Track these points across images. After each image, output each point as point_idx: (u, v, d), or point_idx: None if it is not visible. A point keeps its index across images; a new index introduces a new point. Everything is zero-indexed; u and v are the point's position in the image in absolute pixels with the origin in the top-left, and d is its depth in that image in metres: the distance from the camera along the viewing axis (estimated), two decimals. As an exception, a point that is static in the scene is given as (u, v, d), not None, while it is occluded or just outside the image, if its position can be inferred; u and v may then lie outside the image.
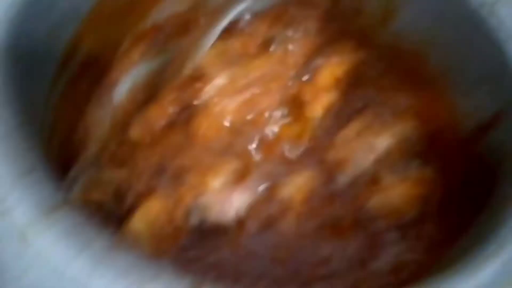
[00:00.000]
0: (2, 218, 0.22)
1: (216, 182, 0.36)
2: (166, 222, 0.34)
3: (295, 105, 0.40)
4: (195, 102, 0.38)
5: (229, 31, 0.39)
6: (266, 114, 0.39)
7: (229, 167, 0.37)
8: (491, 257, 0.27)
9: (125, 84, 0.41)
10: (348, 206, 0.37)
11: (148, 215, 0.33)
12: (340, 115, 0.40)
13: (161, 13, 0.41)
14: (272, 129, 0.39)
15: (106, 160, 0.35)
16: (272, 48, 0.40)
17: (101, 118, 0.39)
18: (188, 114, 0.39)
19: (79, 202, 0.34)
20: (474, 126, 0.39)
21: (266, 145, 0.38)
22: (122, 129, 0.39)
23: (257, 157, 0.38)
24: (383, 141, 0.39)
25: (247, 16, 0.40)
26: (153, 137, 0.38)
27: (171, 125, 0.39)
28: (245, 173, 0.37)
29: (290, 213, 0.36)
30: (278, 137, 0.39)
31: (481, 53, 0.38)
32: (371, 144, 0.39)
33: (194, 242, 0.34)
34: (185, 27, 0.41)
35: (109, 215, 0.33)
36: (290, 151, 0.39)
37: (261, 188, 0.37)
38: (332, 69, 0.41)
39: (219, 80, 0.38)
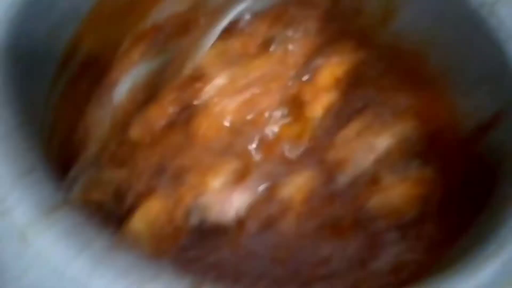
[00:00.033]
0: (2, 218, 0.22)
1: (216, 182, 0.35)
2: (166, 222, 0.34)
3: (295, 105, 0.40)
4: (195, 102, 0.38)
5: (229, 31, 0.39)
6: (266, 114, 0.38)
7: (229, 167, 0.37)
8: (491, 257, 0.27)
9: (125, 84, 0.40)
10: (348, 206, 0.37)
11: (148, 215, 0.33)
12: (340, 115, 0.40)
13: (161, 13, 0.41)
14: (272, 129, 0.39)
15: (106, 160, 0.35)
16: (272, 48, 0.40)
17: (101, 118, 0.39)
18: (188, 114, 0.38)
19: (79, 202, 0.33)
20: (474, 126, 0.39)
21: (266, 145, 0.38)
22: (122, 129, 0.39)
23: (257, 157, 0.38)
24: (383, 141, 0.39)
25: (247, 16, 0.40)
26: (153, 137, 0.38)
27: (171, 125, 0.39)
28: (245, 173, 0.37)
29: (290, 213, 0.36)
30: (278, 137, 0.39)
31: (481, 53, 0.38)
32: (371, 144, 0.39)
33: (194, 242, 0.34)
34: (185, 27, 0.41)
35: (109, 215, 0.33)
36: (290, 151, 0.39)
37: (261, 188, 0.36)
38: (332, 69, 0.41)
39: (219, 80, 0.38)
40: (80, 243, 0.21)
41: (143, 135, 0.37)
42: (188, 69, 0.38)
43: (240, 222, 0.35)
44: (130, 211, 0.33)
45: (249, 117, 0.38)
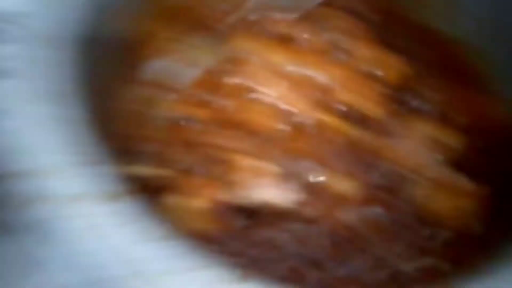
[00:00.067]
0: (70, 204, 0.24)
1: (273, 167, 0.36)
2: (225, 202, 0.35)
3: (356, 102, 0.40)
4: (251, 92, 0.40)
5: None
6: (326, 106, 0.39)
7: (282, 154, 0.38)
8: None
9: (187, 71, 0.42)
10: (406, 208, 0.36)
11: (203, 195, 0.34)
12: (398, 115, 0.40)
13: (226, 2, 0.42)
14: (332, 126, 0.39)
15: (173, 141, 0.37)
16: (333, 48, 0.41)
17: (163, 102, 0.41)
18: (247, 102, 0.40)
19: (144, 175, 0.36)
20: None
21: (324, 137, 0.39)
22: (184, 112, 0.41)
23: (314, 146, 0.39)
24: (448, 141, 0.38)
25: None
26: (213, 121, 0.40)
27: (230, 110, 0.40)
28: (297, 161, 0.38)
29: (346, 206, 0.36)
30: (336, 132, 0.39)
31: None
32: (436, 145, 0.38)
33: (249, 224, 0.35)
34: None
35: (167, 191, 0.34)
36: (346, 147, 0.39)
37: (317, 178, 0.37)
38: (397, 64, 0.41)
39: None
40: (140, 230, 0.23)
41: (206, 117, 0.39)
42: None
43: (297, 209, 0.35)
44: (193, 189, 0.34)
45: (309, 108, 0.39)
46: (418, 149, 0.38)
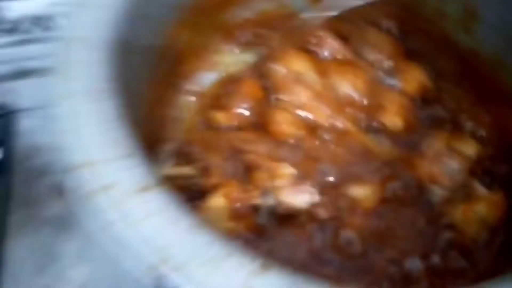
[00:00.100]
0: (105, 192, 0.25)
1: (289, 169, 0.38)
2: (243, 201, 0.36)
3: (375, 111, 0.41)
4: (276, 97, 0.41)
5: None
6: (344, 116, 0.41)
7: (300, 159, 0.39)
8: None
9: (211, 74, 0.44)
10: (421, 213, 0.37)
11: (228, 193, 0.36)
12: (420, 127, 0.41)
13: (250, 10, 0.43)
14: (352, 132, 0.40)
15: (195, 141, 0.38)
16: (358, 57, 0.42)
17: (187, 104, 0.43)
18: (267, 107, 0.41)
19: (171, 175, 0.37)
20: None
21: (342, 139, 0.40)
22: (207, 114, 0.42)
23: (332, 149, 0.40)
24: (472, 151, 0.39)
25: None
26: (234, 123, 0.41)
27: (251, 115, 0.42)
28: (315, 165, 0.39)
29: (359, 210, 0.37)
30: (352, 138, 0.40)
31: None
32: (462, 155, 0.39)
33: (268, 223, 0.36)
34: (272, 23, 0.44)
35: (194, 190, 0.36)
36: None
37: (332, 180, 0.38)
38: (417, 75, 0.42)
39: (309, 80, 0.40)
40: (168, 219, 0.25)
41: (227, 120, 0.41)
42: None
43: (311, 210, 0.36)
44: (213, 188, 0.36)
45: (330, 114, 0.40)
46: (436, 157, 0.39)
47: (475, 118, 0.41)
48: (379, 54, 0.43)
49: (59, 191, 0.47)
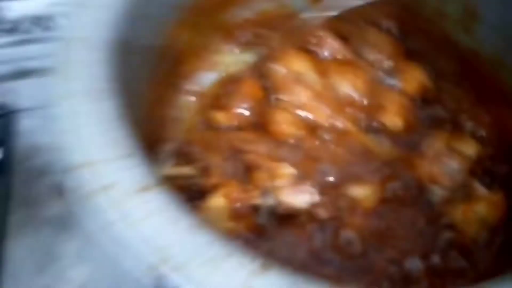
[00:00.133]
0: (105, 192, 0.25)
1: (288, 169, 0.38)
2: (243, 201, 0.36)
3: (375, 111, 0.41)
4: (275, 97, 0.41)
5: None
6: (344, 116, 0.41)
7: (300, 159, 0.39)
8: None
9: (211, 74, 0.44)
10: (421, 213, 0.37)
11: (228, 193, 0.36)
12: (420, 127, 0.41)
13: (250, 10, 0.43)
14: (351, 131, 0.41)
15: (195, 141, 0.39)
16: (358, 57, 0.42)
17: (187, 104, 0.43)
18: (267, 106, 0.41)
19: (171, 175, 0.37)
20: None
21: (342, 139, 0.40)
22: (207, 114, 0.42)
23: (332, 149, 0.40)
24: (473, 150, 0.39)
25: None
26: (234, 123, 0.41)
27: (250, 115, 0.42)
28: (315, 165, 0.39)
29: (359, 210, 0.37)
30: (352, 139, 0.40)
31: None
32: (462, 155, 0.39)
33: (269, 223, 0.36)
34: (272, 23, 0.44)
35: (194, 190, 0.36)
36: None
37: (332, 180, 0.38)
38: (416, 75, 0.42)
39: (310, 80, 0.41)
40: (168, 219, 0.25)
41: (227, 120, 0.41)
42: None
43: (311, 210, 0.37)
44: (213, 188, 0.36)
45: (330, 115, 0.40)
46: (436, 157, 0.39)
47: (475, 118, 0.41)
48: (379, 54, 0.43)
49: (59, 191, 0.47)
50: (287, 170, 0.38)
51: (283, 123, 0.40)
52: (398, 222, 0.37)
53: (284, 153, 0.39)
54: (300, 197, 0.37)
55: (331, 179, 0.39)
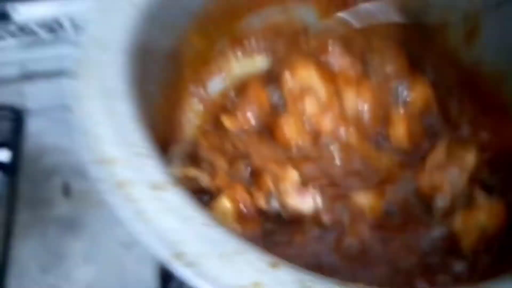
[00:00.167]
0: (120, 189, 0.27)
1: (294, 174, 0.39)
2: (249, 204, 0.37)
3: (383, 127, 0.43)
4: (282, 104, 0.42)
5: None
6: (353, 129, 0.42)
7: (307, 167, 0.40)
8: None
9: (220, 80, 0.46)
10: (423, 223, 0.38)
11: (234, 196, 0.37)
12: (423, 141, 0.42)
13: (261, 20, 0.45)
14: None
15: (203, 144, 0.40)
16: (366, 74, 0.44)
17: (196, 107, 0.44)
18: (275, 114, 0.43)
19: (177, 176, 0.38)
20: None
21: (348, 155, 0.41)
22: (215, 118, 0.43)
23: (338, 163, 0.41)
24: (472, 160, 0.40)
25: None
26: (242, 127, 0.43)
27: (258, 120, 0.43)
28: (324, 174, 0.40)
29: (363, 220, 0.38)
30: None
31: None
32: (463, 164, 0.39)
33: (274, 226, 0.37)
34: (281, 34, 0.45)
35: (202, 192, 0.37)
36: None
37: (337, 188, 0.39)
38: (423, 91, 0.44)
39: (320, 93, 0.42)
40: (182, 215, 0.26)
41: (234, 125, 0.42)
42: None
43: (316, 214, 0.38)
44: (219, 190, 0.37)
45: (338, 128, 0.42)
46: (437, 167, 0.40)
47: (476, 129, 0.42)
48: (388, 69, 0.45)
49: (65, 192, 0.48)
50: (292, 175, 0.39)
51: (289, 130, 0.42)
52: (400, 229, 0.38)
53: (290, 158, 0.41)
54: (304, 202, 0.38)
55: (335, 186, 0.40)
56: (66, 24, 0.56)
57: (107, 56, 0.31)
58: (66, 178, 0.49)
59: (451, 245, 0.37)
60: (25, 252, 0.45)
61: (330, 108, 0.42)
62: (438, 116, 0.44)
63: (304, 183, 0.39)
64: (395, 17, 0.44)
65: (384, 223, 0.38)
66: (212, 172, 0.39)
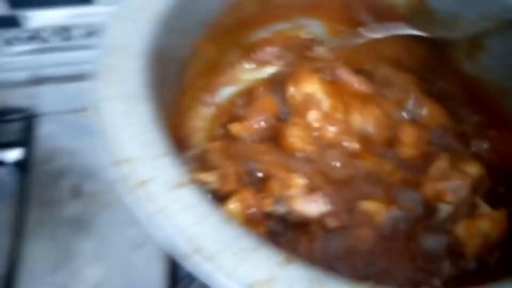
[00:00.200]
0: (142, 188, 0.28)
1: (301, 180, 0.40)
2: (257, 209, 0.38)
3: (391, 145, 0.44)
4: (288, 113, 0.44)
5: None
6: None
7: (311, 174, 0.41)
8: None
9: (228, 89, 0.47)
10: (430, 229, 0.39)
11: (242, 200, 0.38)
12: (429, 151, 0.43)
13: (271, 32, 0.47)
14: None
15: (212, 150, 0.41)
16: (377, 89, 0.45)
17: (205, 114, 0.46)
18: (280, 122, 0.44)
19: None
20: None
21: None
22: (222, 125, 0.45)
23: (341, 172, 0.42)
24: (475, 169, 0.41)
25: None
26: (249, 134, 0.44)
27: (265, 128, 0.45)
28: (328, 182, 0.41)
29: (368, 225, 0.39)
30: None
31: None
32: (465, 172, 0.40)
33: (280, 230, 0.38)
34: (291, 46, 0.47)
35: (212, 195, 0.38)
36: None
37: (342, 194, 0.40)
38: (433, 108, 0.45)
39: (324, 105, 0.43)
40: (200, 213, 0.27)
41: (242, 132, 0.44)
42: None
43: (321, 219, 0.38)
44: (229, 194, 0.38)
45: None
46: (441, 177, 0.41)
47: (478, 140, 0.43)
48: (396, 88, 0.46)
49: (75, 193, 0.49)
50: (299, 181, 0.40)
51: (295, 139, 0.43)
52: (403, 235, 0.39)
53: (296, 165, 0.42)
54: (311, 207, 0.39)
55: (341, 192, 0.40)
56: (76, 30, 0.57)
57: (127, 61, 0.32)
58: (76, 180, 0.50)
59: (454, 252, 0.38)
60: (35, 251, 0.46)
61: (334, 121, 0.43)
62: (444, 128, 0.45)
63: (311, 189, 0.40)
64: (403, 33, 0.45)
65: (389, 229, 0.39)
66: (221, 177, 0.39)
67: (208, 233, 0.26)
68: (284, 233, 0.39)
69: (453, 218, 0.39)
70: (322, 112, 0.43)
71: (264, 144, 0.44)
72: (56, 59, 0.58)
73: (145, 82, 0.32)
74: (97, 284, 0.44)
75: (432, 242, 0.38)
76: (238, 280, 0.25)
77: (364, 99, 0.45)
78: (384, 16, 0.46)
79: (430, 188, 0.40)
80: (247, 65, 0.47)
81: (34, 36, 0.57)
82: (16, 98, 0.55)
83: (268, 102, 0.45)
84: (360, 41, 0.46)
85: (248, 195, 0.39)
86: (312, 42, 0.47)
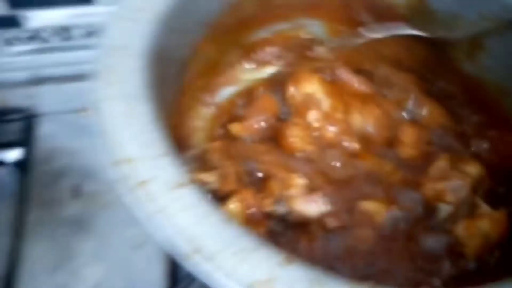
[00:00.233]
0: (142, 188, 0.28)
1: (301, 180, 0.40)
2: (257, 209, 0.38)
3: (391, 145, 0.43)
4: (288, 113, 0.44)
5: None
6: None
7: (311, 174, 0.41)
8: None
9: (228, 89, 0.47)
10: (430, 229, 0.39)
11: (242, 200, 0.38)
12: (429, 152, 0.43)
13: (271, 32, 0.47)
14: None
15: (212, 150, 0.41)
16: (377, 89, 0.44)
17: (205, 114, 0.46)
18: (280, 122, 0.44)
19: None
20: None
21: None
22: (224, 126, 0.45)
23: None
24: (475, 168, 0.41)
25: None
26: (249, 134, 0.44)
27: (265, 128, 0.45)
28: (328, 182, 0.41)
29: (368, 225, 0.39)
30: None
31: None
32: (465, 171, 0.40)
33: (280, 230, 0.38)
34: (290, 46, 0.47)
35: (212, 195, 0.38)
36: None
37: (342, 194, 0.40)
38: (433, 108, 0.45)
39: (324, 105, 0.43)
40: (200, 213, 0.27)
41: (242, 132, 0.44)
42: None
43: (321, 219, 0.38)
44: (229, 194, 0.38)
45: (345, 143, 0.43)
46: (441, 177, 0.41)
47: (478, 141, 0.43)
48: (396, 88, 0.46)
49: (75, 193, 0.49)
50: (299, 181, 0.40)
51: (294, 139, 0.43)
52: (403, 235, 0.39)
53: (296, 165, 0.42)
54: (311, 207, 0.39)
55: (341, 192, 0.40)
56: (76, 30, 0.57)
57: (127, 60, 0.32)
58: (76, 180, 0.50)
59: (454, 252, 0.38)
60: (35, 251, 0.46)
61: (334, 121, 0.43)
62: (444, 128, 0.45)
63: (311, 189, 0.40)
64: (403, 33, 0.45)
65: (389, 229, 0.39)
66: (221, 177, 0.39)
67: (208, 233, 0.26)
68: (284, 233, 0.39)
69: (453, 218, 0.39)
70: (322, 112, 0.43)
71: (264, 144, 0.43)
72: (56, 59, 0.58)
73: (145, 82, 0.32)
74: (97, 284, 0.44)
75: (432, 242, 0.38)
76: (238, 280, 0.25)
77: (364, 99, 0.45)
78: (384, 16, 0.46)
79: (430, 188, 0.40)
80: (247, 65, 0.47)
81: (34, 36, 0.57)
82: (16, 98, 0.55)
83: (268, 102, 0.45)
84: (360, 41, 0.46)
85: (248, 195, 0.39)
86: (312, 42, 0.47)
